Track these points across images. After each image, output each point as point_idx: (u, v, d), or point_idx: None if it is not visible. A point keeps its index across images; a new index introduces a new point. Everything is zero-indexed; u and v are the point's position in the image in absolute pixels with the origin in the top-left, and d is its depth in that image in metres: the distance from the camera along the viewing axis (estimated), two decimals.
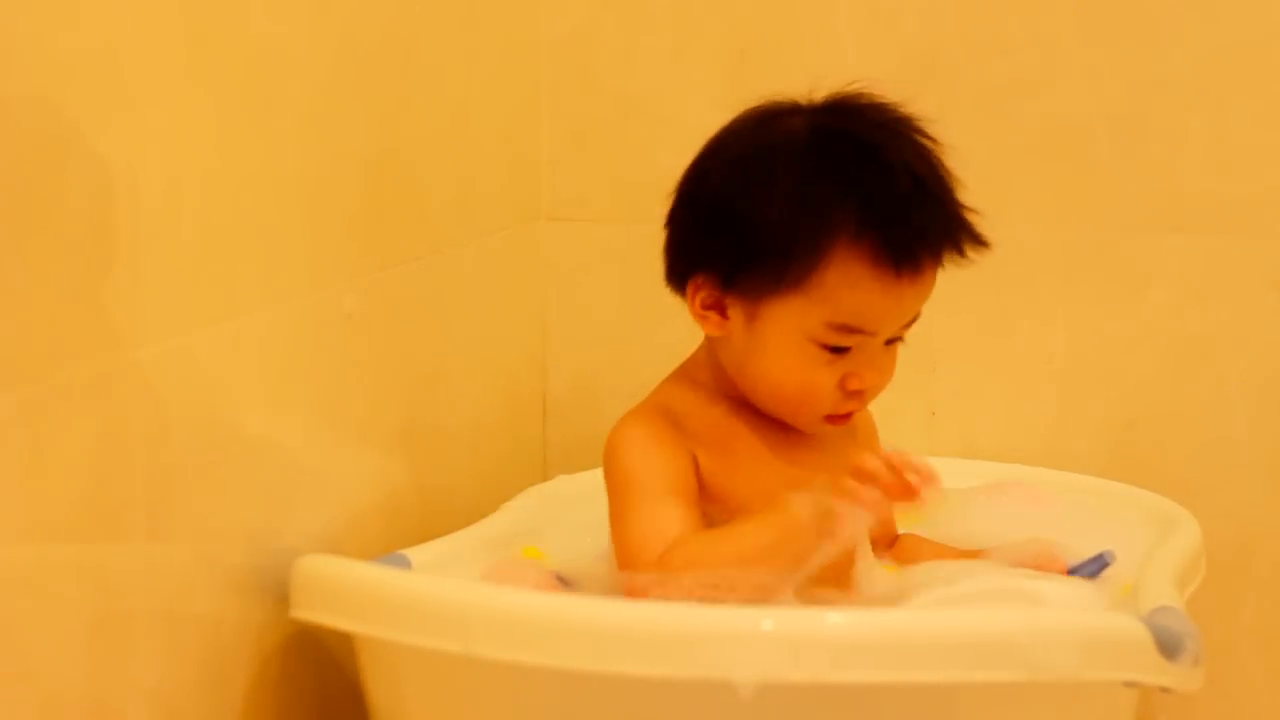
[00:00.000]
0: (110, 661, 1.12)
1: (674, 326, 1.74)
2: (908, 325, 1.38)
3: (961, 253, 1.38)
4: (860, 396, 1.37)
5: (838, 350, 1.35)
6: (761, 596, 1.24)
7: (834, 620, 1.14)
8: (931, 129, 1.42)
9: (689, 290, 1.39)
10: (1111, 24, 1.68)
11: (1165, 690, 1.20)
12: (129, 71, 1.12)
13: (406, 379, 1.51)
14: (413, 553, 1.39)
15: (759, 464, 1.39)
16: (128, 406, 1.12)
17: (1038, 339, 1.72)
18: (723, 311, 1.37)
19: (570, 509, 1.56)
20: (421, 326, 1.54)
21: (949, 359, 1.72)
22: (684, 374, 1.43)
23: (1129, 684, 1.20)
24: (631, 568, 1.32)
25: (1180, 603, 1.29)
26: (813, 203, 1.34)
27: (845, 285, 1.33)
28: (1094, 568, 1.39)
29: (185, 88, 1.18)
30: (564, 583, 1.42)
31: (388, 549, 1.41)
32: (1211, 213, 1.68)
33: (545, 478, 1.74)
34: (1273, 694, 1.72)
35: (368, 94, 1.43)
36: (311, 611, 1.26)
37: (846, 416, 1.38)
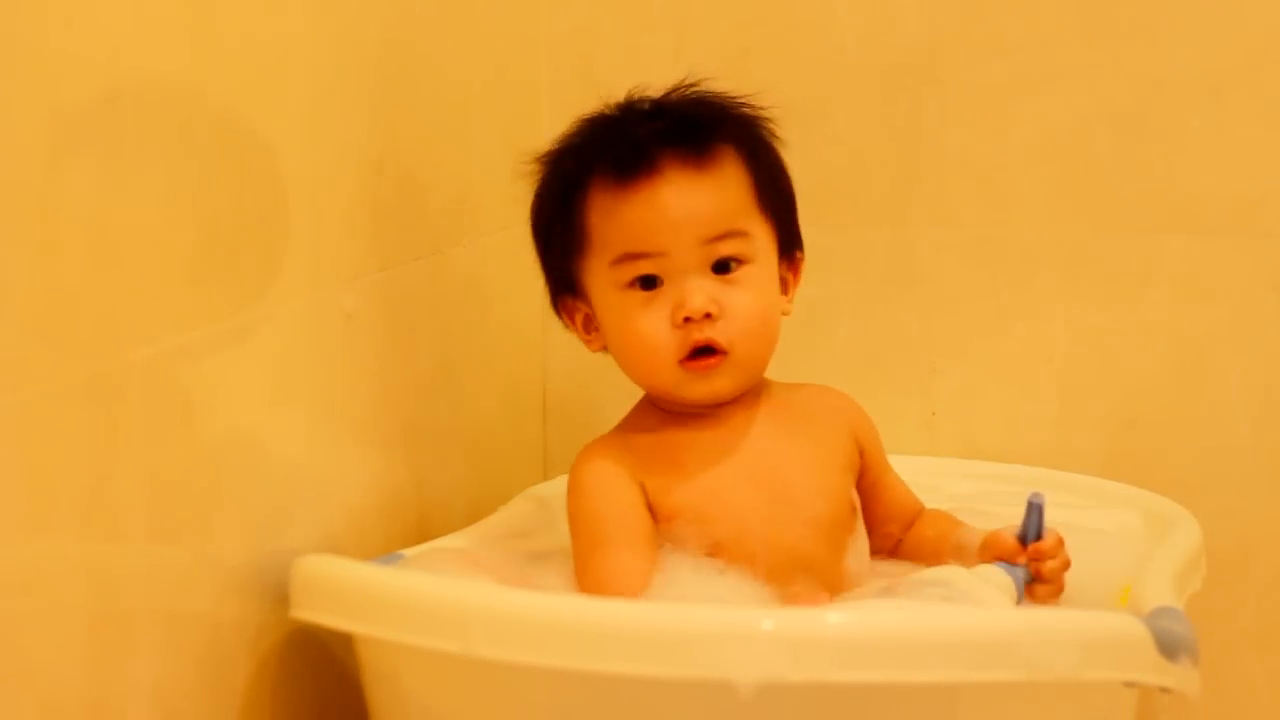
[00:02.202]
0: (110, 661, 1.12)
1: None
2: (717, 240, 1.37)
3: (705, 140, 1.38)
4: (700, 327, 1.36)
5: (646, 284, 1.37)
6: None
7: (834, 620, 1.14)
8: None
9: (567, 322, 1.45)
10: (1111, 24, 1.68)
11: (1165, 690, 1.20)
12: (129, 71, 1.12)
13: (406, 379, 1.51)
14: (412, 553, 1.39)
15: (706, 471, 1.39)
16: (128, 406, 1.12)
17: (1038, 339, 1.72)
18: (589, 325, 1.43)
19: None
20: (421, 326, 1.54)
21: (949, 359, 1.72)
22: (639, 406, 1.45)
23: (1129, 684, 1.20)
24: None
25: (1180, 603, 1.29)
26: (562, 167, 1.42)
27: (604, 218, 1.38)
28: (1035, 520, 1.35)
29: (186, 87, 1.18)
30: None
31: (388, 549, 1.41)
32: (1211, 213, 1.68)
33: (545, 478, 1.74)
34: (1273, 694, 1.72)
35: (368, 94, 1.43)
36: (311, 611, 1.26)
37: (704, 359, 1.37)
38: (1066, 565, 1.35)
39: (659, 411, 1.42)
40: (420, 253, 1.53)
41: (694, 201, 1.37)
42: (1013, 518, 1.37)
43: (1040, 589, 1.35)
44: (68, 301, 1.07)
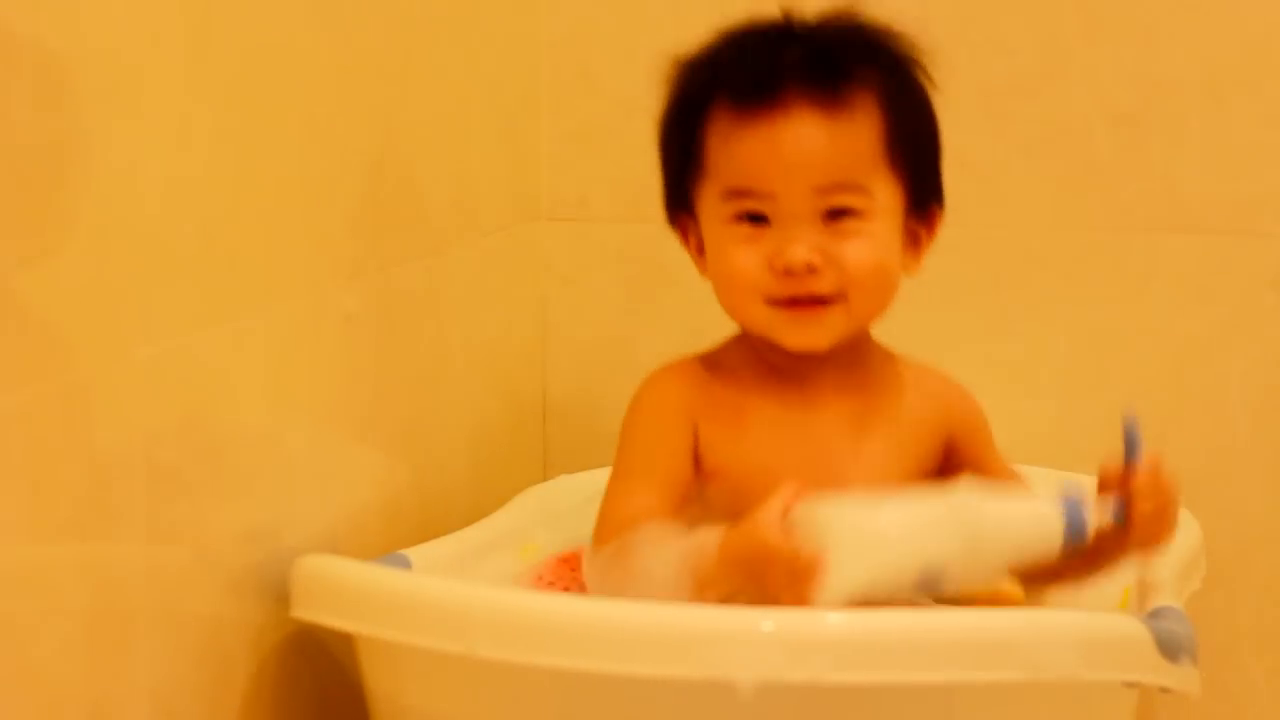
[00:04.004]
0: (110, 661, 1.12)
1: (674, 326, 1.75)
2: (830, 189, 1.28)
3: (839, 78, 1.29)
4: (802, 280, 1.29)
5: (753, 220, 1.30)
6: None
7: (834, 620, 1.14)
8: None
9: (681, 239, 1.38)
10: (1111, 24, 1.68)
11: (1165, 690, 1.20)
12: (130, 71, 1.12)
13: (406, 379, 1.51)
14: (413, 553, 1.39)
15: (763, 442, 1.34)
16: (128, 406, 1.12)
17: (1038, 339, 1.72)
18: (701, 246, 1.36)
19: (570, 509, 1.56)
20: (421, 326, 1.54)
21: (949, 359, 1.72)
22: (732, 339, 1.38)
23: (1129, 684, 1.20)
24: (595, 540, 1.32)
25: (1180, 603, 1.29)
26: (690, 82, 1.34)
27: (722, 145, 1.31)
28: (1129, 444, 1.25)
29: (186, 87, 1.18)
30: None
31: (388, 549, 1.41)
32: (1211, 213, 1.68)
33: (545, 478, 1.74)
34: (1272, 694, 1.72)
35: (368, 94, 1.43)
36: (311, 611, 1.26)
37: (803, 307, 1.30)
38: (1162, 508, 1.24)
39: (748, 351, 1.36)
40: (420, 253, 1.53)
41: (812, 146, 1.28)
42: None
43: (1132, 534, 1.24)
44: (68, 301, 1.07)
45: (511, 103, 1.74)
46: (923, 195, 1.35)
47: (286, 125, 1.31)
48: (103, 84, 1.09)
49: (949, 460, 1.39)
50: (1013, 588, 1.34)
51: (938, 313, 1.72)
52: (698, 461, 1.34)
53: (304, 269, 1.34)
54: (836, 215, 1.29)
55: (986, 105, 1.71)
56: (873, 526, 1.20)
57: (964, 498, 1.22)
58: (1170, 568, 1.36)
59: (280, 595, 1.27)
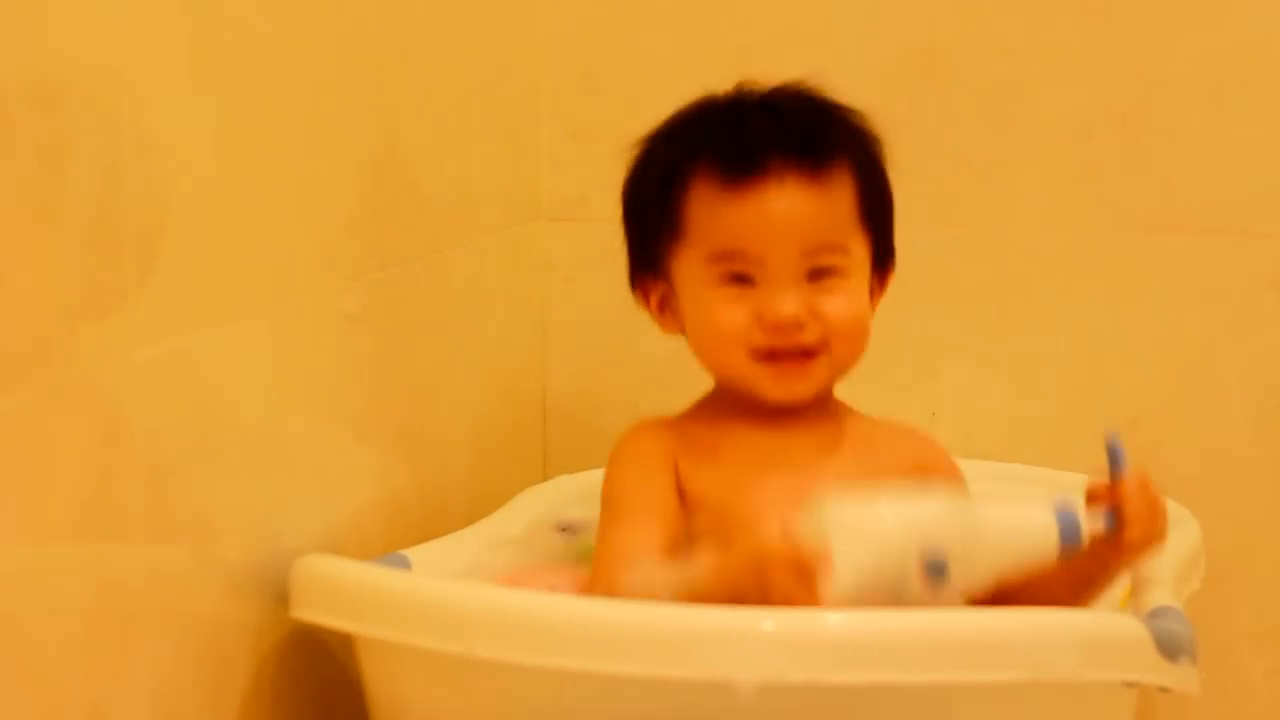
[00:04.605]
0: (110, 661, 1.12)
1: None
2: (816, 251, 1.35)
3: (821, 151, 1.36)
4: (789, 334, 1.35)
5: (739, 281, 1.35)
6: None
7: (834, 620, 1.14)
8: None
9: (641, 300, 1.44)
10: (1111, 24, 1.68)
11: (1165, 690, 1.20)
12: (130, 71, 1.12)
13: (406, 379, 1.51)
14: (413, 553, 1.39)
15: (741, 467, 1.38)
16: (128, 406, 1.12)
17: (1038, 339, 1.72)
18: (665, 306, 1.42)
19: (570, 509, 1.56)
20: (421, 326, 1.54)
21: (949, 359, 1.72)
22: (704, 397, 1.44)
23: (1129, 684, 1.20)
24: (594, 581, 1.34)
25: (1180, 603, 1.29)
26: (668, 153, 1.41)
27: (707, 212, 1.37)
28: (1113, 461, 1.28)
29: (186, 88, 1.18)
30: None
31: (388, 549, 1.41)
32: (1211, 213, 1.68)
33: (545, 478, 1.74)
34: (1272, 694, 1.72)
35: (368, 94, 1.43)
36: (311, 611, 1.26)
37: (787, 360, 1.36)
38: (1151, 509, 1.28)
39: (724, 403, 1.41)
40: (420, 253, 1.53)
41: (802, 213, 1.35)
42: None
43: (1126, 535, 1.27)
44: (68, 301, 1.07)
45: (511, 103, 1.74)
46: (883, 253, 1.42)
47: (287, 125, 1.31)
48: (103, 84, 1.09)
49: None
50: None
51: (938, 312, 1.72)
52: (681, 494, 1.37)
53: (304, 269, 1.34)
54: (819, 274, 1.36)
55: (986, 105, 1.71)
56: (873, 517, 1.22)
57: (962, 510, 1.24)
58: (1169, 568, 1.36)
59: (280, 595, 1.27)
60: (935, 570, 1.22)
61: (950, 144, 1.71)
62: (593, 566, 1.36)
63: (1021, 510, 1.26)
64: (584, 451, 1.75)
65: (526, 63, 1.76)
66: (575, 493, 1.59)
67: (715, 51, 1.74)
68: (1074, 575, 1.29)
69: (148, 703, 1.16)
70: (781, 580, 1.19)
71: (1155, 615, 1.23)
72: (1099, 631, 1.17)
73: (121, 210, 1.11)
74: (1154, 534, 1.29)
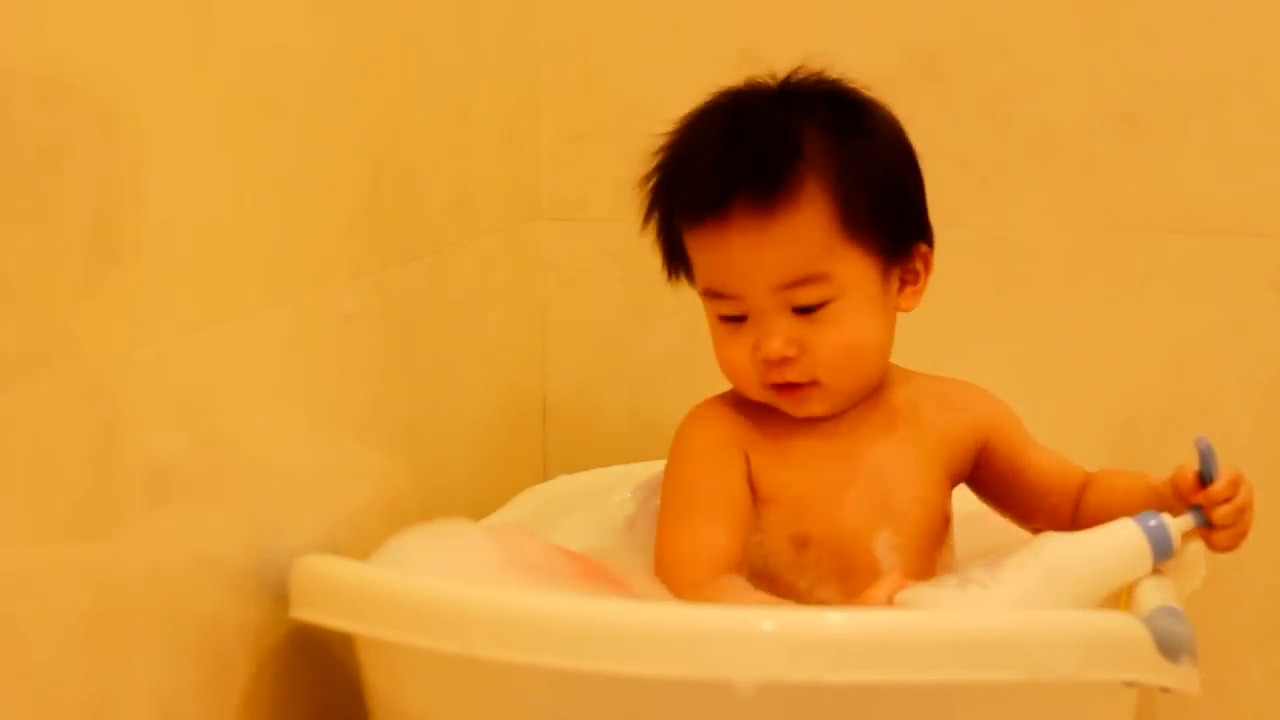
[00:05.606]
0: (110, 661, 1.12)
1: (674, 326, 1.75)
2: (791, 286, 1.33)
3: (776, 181, 1.32)
4: (779, 370, 1.35)
5: (731, 320, 1.36)
6: None
7: (834, 620, 1.14)
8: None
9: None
10: (1111, 24, 1.68)
11: (1165, 690, 1.20)
12: (130, 71, 1.12)
13: (406, 379, 1.51)
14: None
15: (810, 462, 1.38)
16: (128, 406, 1.12)
17: (1038, 339, 1.72)
18: None
19: (570, 509, 1.56)
20: (421, 326, 1.54)
21: (949, 359, 1.72)
22: None
23: (1129, 684, 1.20)
24: (664, 579, 1.34)
25: (1180, 603, 1.29)
26: (655, 198, 1.40)
27: (694, 251, 1.37)
28: (1206, 464, 1.32)
29: (186, 87, 1.18)
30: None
31: None
32: (1211, 213, 1.68)
33: (545, 478, 1.74)
34: (1272, 694, 1.72)
35: (368, 94, 1.43)
36: (311, 611, 1.26)
37: (788, 390, 1.36)
38: (1241, 509, 1.31)
39: None
40: (420, 253, 1.53)
41: (761, 253, 1.33)
42: None
43: (1216, 535, 1.31)
44: (68, 301, 1.07)
45: (511, 103, 1.74)
46: (901, 243, 1.38)
47: (287, 125, 1.31)
48: (103, 83, 1.09)
49: (989, 463, 1.44)
50: None
51: (938, 312, 1.71)
52: (752, 488, 1.37)
53: (304, 269, 1.34)
54: (804, 309, 1.34)
55: (986, 105, 1.71)
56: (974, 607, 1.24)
57: (1052, 554, 1.26)
58: (1169, 567, 1.36)
59: (279, 595, 1.27)
60: None
61: (950, 144, 1.71)
62: (661, 559, 1.35)
63: (1110, 537, 1.28)
64: (584, 451, 1.75)
65: (526, 63, 1.77)
66: (575, 493, 1.59)
67: (716, 52, 1.74)
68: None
69: (148, 703, 1.16)
70: None
71: (1155, 615, 1.23)
72: (1099, 631, 1.17)
73: (121, 210, 1.11)
74: (1241, 534, 1.32)
